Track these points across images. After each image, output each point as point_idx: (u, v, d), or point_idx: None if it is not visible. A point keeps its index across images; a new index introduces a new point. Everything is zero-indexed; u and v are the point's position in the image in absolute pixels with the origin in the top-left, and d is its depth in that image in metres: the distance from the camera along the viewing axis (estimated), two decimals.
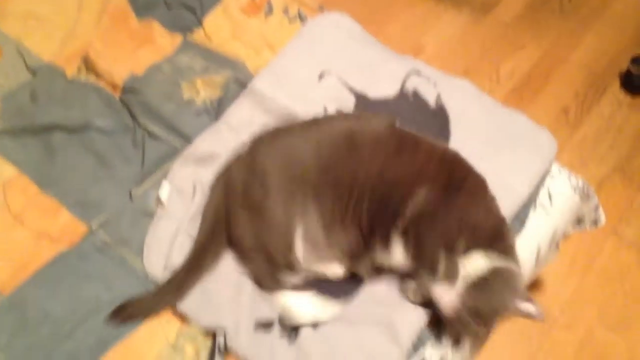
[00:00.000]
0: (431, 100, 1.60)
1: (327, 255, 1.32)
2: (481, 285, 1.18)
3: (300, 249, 1.30)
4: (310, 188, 1.30)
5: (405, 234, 1.26)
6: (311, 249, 1.31)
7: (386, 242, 1.28)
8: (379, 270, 1.34)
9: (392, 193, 1.29)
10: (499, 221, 1.31)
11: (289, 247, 1.30)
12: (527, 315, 1.18)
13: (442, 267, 1.20)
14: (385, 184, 1.29)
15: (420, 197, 1.26)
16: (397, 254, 1.28)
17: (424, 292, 1.25)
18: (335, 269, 1.33)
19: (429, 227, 1.24)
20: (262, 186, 1.32)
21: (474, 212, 1.27)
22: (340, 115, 1.55)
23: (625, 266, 2.07)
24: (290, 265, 1.31)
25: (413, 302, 1.29)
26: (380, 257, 1.31)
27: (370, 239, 1.29)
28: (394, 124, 1.41)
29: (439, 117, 1.57)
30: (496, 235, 1.27)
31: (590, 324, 1.95)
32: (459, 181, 1.31)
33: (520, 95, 2.51)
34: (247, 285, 1.32)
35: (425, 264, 1.23)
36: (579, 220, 1.67)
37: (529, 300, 1.17)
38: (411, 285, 1.29)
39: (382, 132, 1.37)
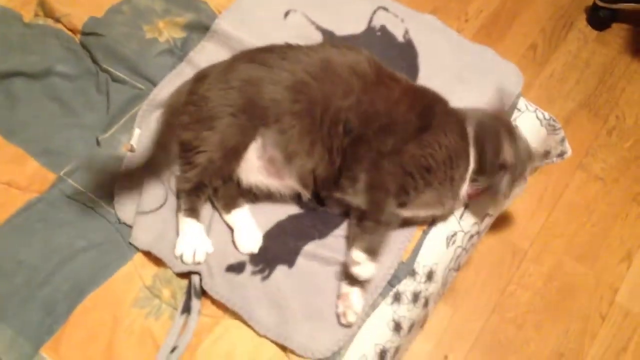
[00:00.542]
0: (399, 35, 1.59)
1: (285, 174, 1.32)
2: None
3: (253, 161, 1.31)
4: (276, 109, 1.29)
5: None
6: (267, 165, 1.32)
7: (355, 181, 1.29)
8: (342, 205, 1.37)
9: (367, 129, 1.29)
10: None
11: (236, 156, 1.30)
12: None
13: None
14: (360, 117, 1.29)
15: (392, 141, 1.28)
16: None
17: None
18: (291, 187, 1.34)
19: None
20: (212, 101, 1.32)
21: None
22: (317, 45, 1.52)
23: (592, 199, 2.13)
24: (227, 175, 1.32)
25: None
26: (347, 194, 1.32)
27: (340, 175, 1.30)
28: (370, 57, 1.39)
29: (407, 52, 1.56)
30: None
31: (558, 256, 2.00)
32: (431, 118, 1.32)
33: (489, 34, 2.50)
34: (217, 229, 1.33)
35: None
36: (546, 154, 1.69)
37: None
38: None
39: (360, 63, 1.35)
